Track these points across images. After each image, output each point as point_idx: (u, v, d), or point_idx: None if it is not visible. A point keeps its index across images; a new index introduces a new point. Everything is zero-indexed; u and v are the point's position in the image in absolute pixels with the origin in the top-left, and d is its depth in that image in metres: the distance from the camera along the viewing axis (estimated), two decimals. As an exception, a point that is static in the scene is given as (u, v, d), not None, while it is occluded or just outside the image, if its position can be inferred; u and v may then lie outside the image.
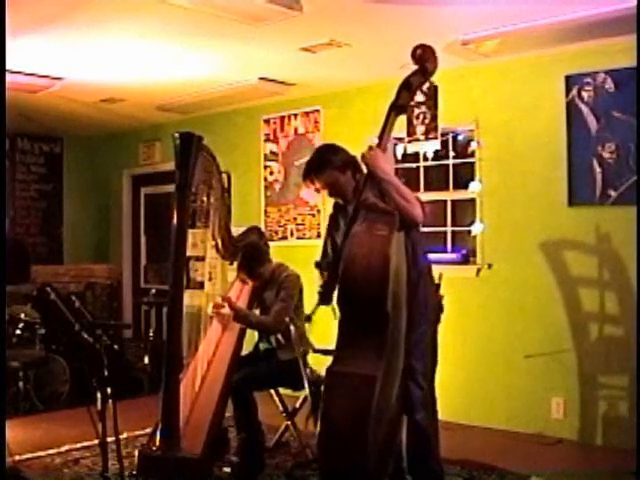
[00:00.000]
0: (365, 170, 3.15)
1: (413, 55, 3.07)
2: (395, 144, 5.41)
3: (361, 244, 2.90)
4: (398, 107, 3.12)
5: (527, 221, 4.93)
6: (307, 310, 4.34)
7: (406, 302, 2.99)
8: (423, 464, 3.26)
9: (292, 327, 4.05)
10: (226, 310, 4.05)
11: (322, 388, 3.02)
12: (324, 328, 3.21)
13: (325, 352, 3.59)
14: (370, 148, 3.09)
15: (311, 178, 3.43)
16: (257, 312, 4.24)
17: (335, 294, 2.99)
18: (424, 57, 3.07)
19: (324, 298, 3.03)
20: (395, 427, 3.06)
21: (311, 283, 4.51)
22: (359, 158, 3.17)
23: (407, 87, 3.12)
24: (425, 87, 3.21)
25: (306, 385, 3.95)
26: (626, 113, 4.45)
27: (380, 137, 3.11)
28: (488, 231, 5.09)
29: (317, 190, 3.47)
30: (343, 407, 2.76)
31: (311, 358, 4.21)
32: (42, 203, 7.91)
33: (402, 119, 5.40)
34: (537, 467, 4.14)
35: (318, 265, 3.41)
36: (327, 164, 3.37)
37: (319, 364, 3.85)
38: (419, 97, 5.41)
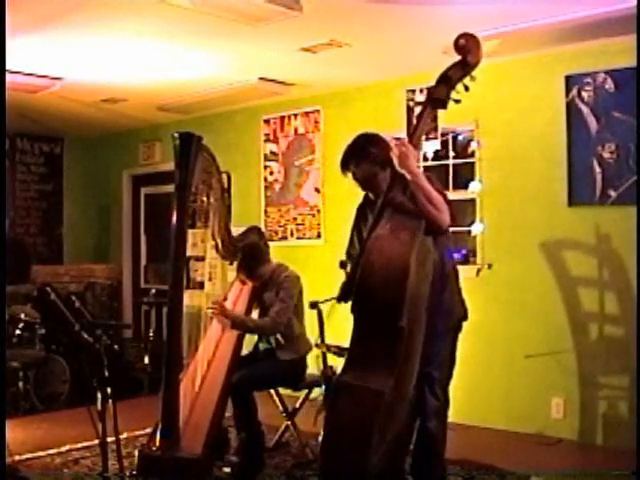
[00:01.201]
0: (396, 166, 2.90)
1: (456, 44, 2.83)
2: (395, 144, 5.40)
3: (381, 251, 2.72)
4: (434, 101, 2.90)
5: (527, 221, 4.93)
6: (307, 311, 4.38)
7: (428, 310, 2.83)
8: (427, 467, 3.24)
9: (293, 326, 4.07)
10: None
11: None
12: (340, 324, 3.16)
13: (338, 351, 3.51)
14: (402, 143, 2.86)
15: (349, 166, 3.19)
16: (256, 313, 4.24)
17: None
18: (467, 48, 2.83)
19: (342, 296, 2.89)
20: (403, 441, 3.00)
21: (312, 283, 4.53)
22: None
23: (445, 80, 2.88)
24: (466, 82, 2.90)
25: (305, 384, 3.93)
26: (626, 113, 4.45)
27: (412, 132, 2.91)
28: (488, 231, 5.09)
29: (354, 178, 3.19)
30: (347, 419, 2.68)
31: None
32: (42, 203, 7.91)
33: (402, 118, 5.49)
34: (537, 467, 4.14)
35: (343, 265, 3.19)
36: (368, 156, 3.13)
37: (331, 360, 3.80)
38: (419, 96, 5.43)
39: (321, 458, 2.80)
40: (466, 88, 2.90)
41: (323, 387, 3.80)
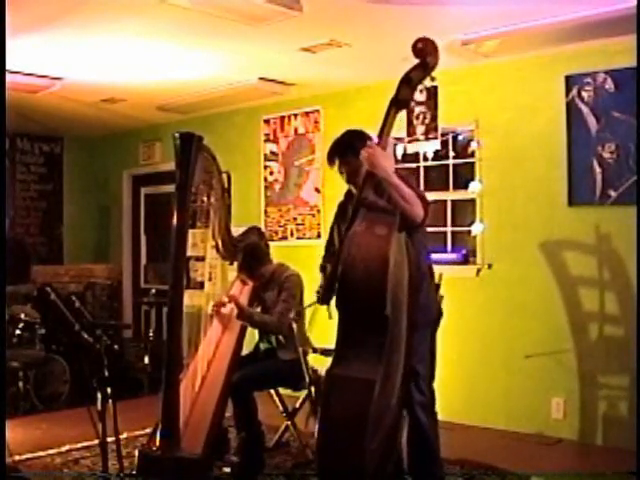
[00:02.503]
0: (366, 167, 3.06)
1: (414, 48, 2.99)
2: (395, 144, 5.41)
3: (359, 245, 2.86)
4: (398, 102, 3.04)
5: (527, 221, 4.93)
6: (308, 310, 4.39)
7: (407, 304, 2.94)
8: (423, 466, 3.26)
9: (294, 326, 4.07)
10: (227, 309, 4.05)
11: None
12: (324, 327, 3.20)
13: (325, 352, 3.59)
14: (369, 145, 3.02)
15: (334, 160, 3.35)
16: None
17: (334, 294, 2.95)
18: (425, 51, 2.99)
19: (322, 298, 2.99)
20: (394, 429, 3.04)
21: (311, 283, 4.52)
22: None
23: (407, 82, 3.04)
24: (426, 84, 3.11)
25: (307, 384, 3.95)
26: (626, 113, 4.45)
27: (380, 134, 3.05)
28: (488, 231, 5.09)
29: (339, 171, 3.35)
30: (342, 411, 2.73)
31: (311, 358, 4.21)
32: (42, 203, 7.92)
33: (402, 118, 5.48)
34: (537, 467, 4.14)
35: (323, 269, 3.34)
36: (352, 150, 3.24)
37: (318, 363, 3.84)
38: (419, 97, 5.43)
39: (318, 454, 2.83)
40: (428, 89, 3.12)
41: (312, 390, 3.83)
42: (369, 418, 2.69)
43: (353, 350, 2.80)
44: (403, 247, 2.94)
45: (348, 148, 3.30)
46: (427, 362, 3.23)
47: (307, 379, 4.06)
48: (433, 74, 3.04)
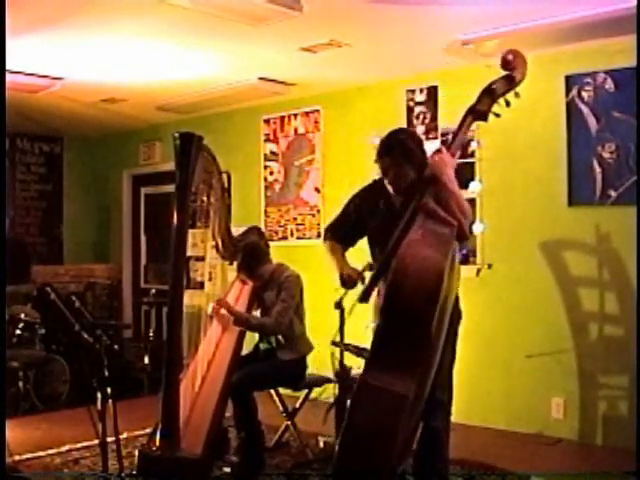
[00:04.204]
0: (429, 173, 2.90)
1: (504, 59, 2.87)
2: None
3: (416, 256, 2.69)
4: (476, 112, 2.92)
5: (527, 221, 4.93)
6: (308, 311, 4.39)
7: (450, 317, 2.86)
8: (430, 465, 3.23)
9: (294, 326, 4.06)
10: (225, 312, 4.05)
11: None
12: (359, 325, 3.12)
13: (356, 351, 3.50)
14: (439, 151, 2.88)
15: (386, 156, 3.20)
16: (257, 313, 4.25)
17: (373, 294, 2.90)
18: (514, 64, 2.87)
19: (363, 296, 2.92)
20: (412, 435, 2.99)
21: (312, 283, 4.53)
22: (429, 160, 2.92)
23: (489, 93, 2.90)
24: (508, 98, 2.93)
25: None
26: (626, 113, 4.45)
27: (452, 141, 2.92)
28: (488, 231, 5.09)
29: (382, 167, 3.21)
30: (369, 419, 2.63)
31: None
32: (42, 203, 7.91)
33: (402, 118, 5.49)
34: (537, 467, 4.15)
35: (338, 306, 3.14)
36: (409, 155, 3.15)
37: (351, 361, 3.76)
38: (419, 97, 5.43)
39: (340, 455, 2.75)
40: (507, 103, 2.93)
41: (336, 386, 3.76)
42: (398, 433, 2.61)
43: (389, 360, 2.68)
44: (454, 258, 2.83)
45: (407, 152, 3.17)
46: (448, 366, 3.17)
47: (309, 379, 3.99)
48: (518, 90, 2.91)
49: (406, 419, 2.67)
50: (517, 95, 2.90)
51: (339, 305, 3.08)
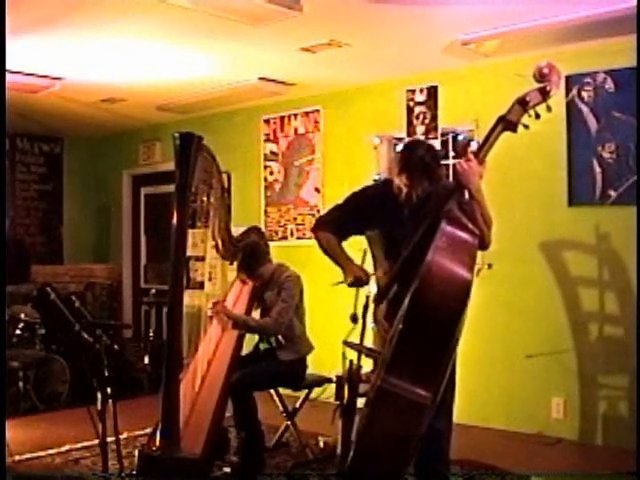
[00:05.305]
0: (457, 181, 2.88)
1: (539, 71, 2.86)
2: (395, 144, 5.41)
3: (443, 267, 2.67)
4: (507, 122, 2.89)
5: (527, 221, 4.93)
6: (308, 311, 4.39)
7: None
8: (430, 465, 3.23)
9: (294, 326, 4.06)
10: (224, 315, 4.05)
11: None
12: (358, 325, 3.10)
13: (368, 353, 3.49)
14: (468, 159, 2.84)
15: (400, 171, 3.14)
16: (257, 313, 4.24)
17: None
18: (549, 77, 2.86)
19: (379, 299, 2.94)
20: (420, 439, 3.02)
21: (312, 283, 4.53)
22: (456, 168, 2.88)
23: (522, 104, 2.89)
24: (538, 110, 2.92)
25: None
26: (626, 113, 4.45)
27: (479, 149, 2.88)
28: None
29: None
30: (387, 426, 2.63)
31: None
32: (42, 203, 7.91)
33: (402, 119, 5.49)
34: (537, 467, 4.15)
35: (354, 319, 3.10)
36: (429, 172, 3.12)
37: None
38: (419, 97, 5.43)
39: (356, 460, 2.73)
40: (537, 116, 2.92)
41: (345, 386, 3.74)
42: (414, 441, 2.61)
43: (408, 368, 2.66)
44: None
45: (426, 168, 3.12)
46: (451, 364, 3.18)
47: (309, 379, 3.97)
48: (549, 103, 2.89)
49: (423, 426, 2.67)
50: (549, 109, 2.89)
51: (354, 318, 3.07)
